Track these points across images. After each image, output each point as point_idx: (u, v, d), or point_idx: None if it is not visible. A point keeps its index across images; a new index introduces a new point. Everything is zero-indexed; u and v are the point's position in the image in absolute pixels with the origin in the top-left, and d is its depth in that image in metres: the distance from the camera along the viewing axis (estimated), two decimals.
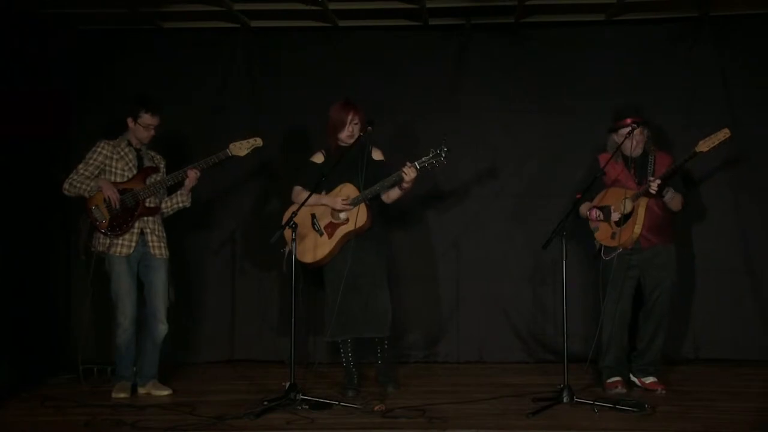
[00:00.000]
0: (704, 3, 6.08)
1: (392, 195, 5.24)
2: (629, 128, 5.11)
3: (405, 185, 5.12)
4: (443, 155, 5.02)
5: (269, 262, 6.36)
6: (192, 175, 5.33)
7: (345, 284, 5.09)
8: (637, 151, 5.24)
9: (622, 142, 5.13)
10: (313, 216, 5.18)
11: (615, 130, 5.24)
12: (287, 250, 5.00)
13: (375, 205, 5.25)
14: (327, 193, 5.23)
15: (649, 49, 6.33)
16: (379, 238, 5.29)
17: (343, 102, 5.27)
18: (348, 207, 5.14)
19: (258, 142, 5.37)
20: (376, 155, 5.33)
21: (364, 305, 5.17)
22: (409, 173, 5.04)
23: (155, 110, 5.29)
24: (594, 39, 6.41)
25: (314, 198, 5.08)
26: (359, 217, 5.12)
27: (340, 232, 5.16)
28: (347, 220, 5.15)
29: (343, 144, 5.22)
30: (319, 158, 5.33)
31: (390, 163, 5.29)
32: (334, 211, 5.18)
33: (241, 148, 5.34)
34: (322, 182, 5.03)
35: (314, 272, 5.36)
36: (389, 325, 5.23)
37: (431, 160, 5.05)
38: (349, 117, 5.19)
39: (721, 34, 6.24)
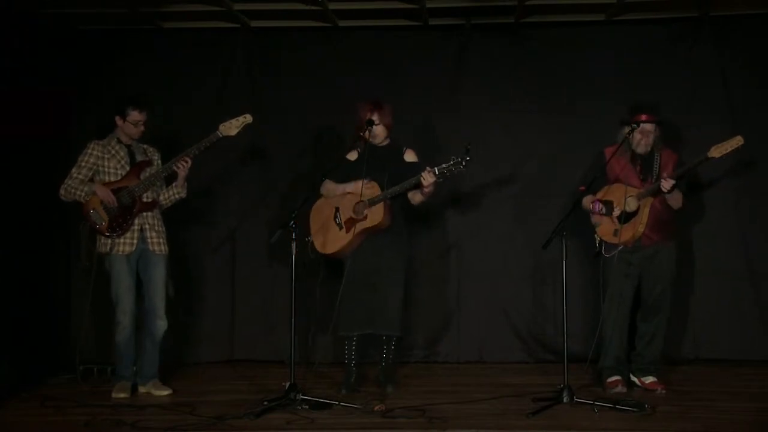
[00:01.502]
0: (704, 3, 6.08)
1: (416, 198, 5.31)
2: (635, 125, 5.10)
3: (426, 189, 5.15)
4: (464, 163, 5.01)
5: (269, 261, 6.37)
6: (185, 163, 5.26)
7: (359, 281, 5.20)
8: (645, 149, 5.23)
9: (626, 137, 5.12)
10: (337, 210, 5.31)
11: (629, 123, 5.21)
12: (310, 239, 5.24)
13: (397, 205, 5.32)
14: None
15: (649, 49, 6.33)
16: (399, 238, 5.35)
17: (367, 102, 5.32)
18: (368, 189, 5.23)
19: (248, 118, 5.28)
20: (410, 157, 5.40)
21: (377, 302, 5.23)
22: (427, 178, 5.06)
23: (142, 106, 5.30)
24: (594, 39, 6.41)
25: (339, 187, 5.27)
26: (376, 215, 5.20)
27: (358, 228, 5.23)
28: (366, 216, 5.22)
29: (374, 143, 5.29)
30: (353, 156, 5.40)
31: (423, 165, 5.26)
32: (356, 207, 5.23)
33: (230, 127, 5.25)
34: (339, 172, 5.25)
35: (327, 270, 5.39)
36: (400, 324, 5.29)
37: (451, 167, 5.04)
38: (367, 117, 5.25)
39: (721, 34, 6.24)
